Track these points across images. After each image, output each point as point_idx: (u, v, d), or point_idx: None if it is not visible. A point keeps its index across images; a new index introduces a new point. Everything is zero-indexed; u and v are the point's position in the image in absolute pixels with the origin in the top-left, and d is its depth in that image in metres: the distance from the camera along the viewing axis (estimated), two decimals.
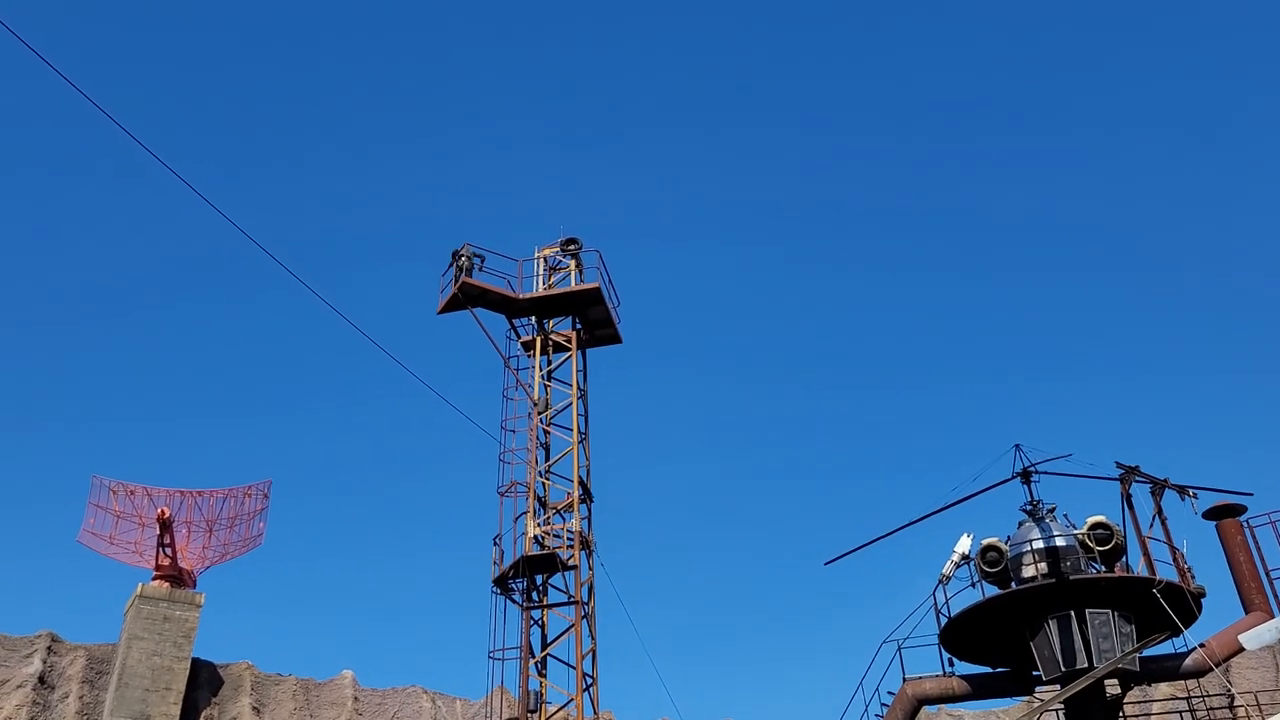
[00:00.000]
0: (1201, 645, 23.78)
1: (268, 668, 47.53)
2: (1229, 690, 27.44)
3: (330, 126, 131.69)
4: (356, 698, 47.11)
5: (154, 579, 45.36)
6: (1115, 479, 24.57)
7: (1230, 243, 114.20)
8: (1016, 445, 25.69)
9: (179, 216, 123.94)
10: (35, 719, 40.97)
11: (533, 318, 28.65)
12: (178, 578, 45.83)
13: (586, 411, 28.02)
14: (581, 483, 26.79)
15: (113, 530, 46.63)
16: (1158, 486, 24.32)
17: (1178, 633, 23.68)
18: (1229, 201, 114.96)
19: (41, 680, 42.27)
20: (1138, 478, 24.43)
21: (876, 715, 25.39)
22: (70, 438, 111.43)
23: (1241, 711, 31.08)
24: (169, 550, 45.97)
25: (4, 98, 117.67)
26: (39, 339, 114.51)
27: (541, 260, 29.04)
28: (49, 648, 43.63)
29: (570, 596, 25.08)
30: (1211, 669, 23.65)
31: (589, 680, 24.69)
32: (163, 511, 45.72)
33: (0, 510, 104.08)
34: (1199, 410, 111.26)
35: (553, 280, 28.79)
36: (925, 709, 26.46)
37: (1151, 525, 24.12)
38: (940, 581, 24.84)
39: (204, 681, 44.74)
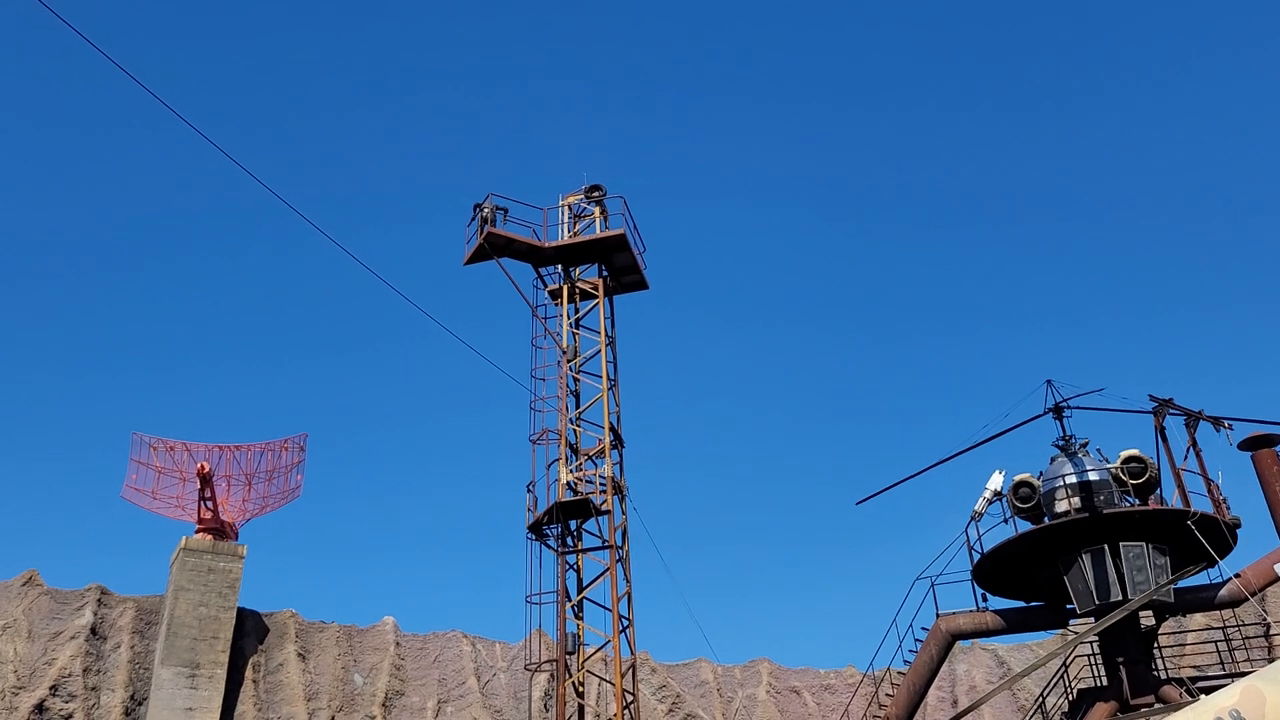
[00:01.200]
0: (1237, 575, 23.72)
1: (311, 615, 48.54)
2: (1265, 620, 27.41)
3: (355, 82, 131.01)
4: (398, 643, 48.10)
5: (197, 532, 46.29)
6: (1149, 412, 24.37)
7: (1258, 173, 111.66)
8: (1048, 381, 25.53)
9: (209, 172, 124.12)
10: (89, 669, 42.23)
11: (559, 266, 28.59)
12: (220, 530, 46.73)
13: (615, 358, 28.10)
14: (612, 428, 26.94)
15: (154, 486, 47.56)
16: (1192, 418, 24.09)
17: (1213, 564, 23.61)
18: (1257, 135, 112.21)
19: (93, 631, 43.46)
20: (1171, 410, 24.20)
21: (911, 651, 25.65)
22: (110, 393, 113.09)
23: (1278, 639, 31.10)
24: (210, 504, 46.82)
25: (44, 59, 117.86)
26: (73, 296, 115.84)
27: (566, 208, 28.88)
28: (99, 600, 44.73)
29: (604, 541, 25.35)
30: (1247, 599, 23.63)
31: (625, 622, 25.05)
32: (202, 466, 46.49)
33: (48, 466, 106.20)
34: (1232, 341, 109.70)
35: (578, 228, 28.66)
36: (959, 644, 26.68)
37: (1186, 457, 23.95)
38: (973, 518, 24.86)
39: (250, 630, 45.81)
